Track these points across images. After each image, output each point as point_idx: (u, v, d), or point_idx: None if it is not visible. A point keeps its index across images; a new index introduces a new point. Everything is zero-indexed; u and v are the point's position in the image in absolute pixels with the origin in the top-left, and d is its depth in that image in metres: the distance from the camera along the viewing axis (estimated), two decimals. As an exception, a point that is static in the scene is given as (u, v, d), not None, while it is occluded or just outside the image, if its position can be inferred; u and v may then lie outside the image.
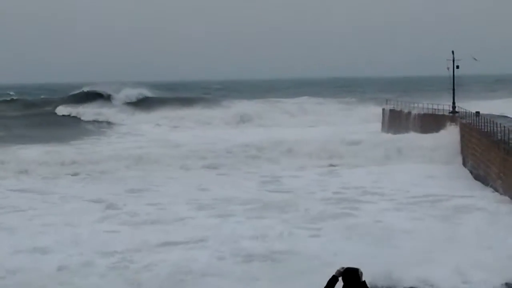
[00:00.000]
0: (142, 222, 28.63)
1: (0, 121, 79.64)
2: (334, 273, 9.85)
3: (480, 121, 41.68)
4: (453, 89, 52.27)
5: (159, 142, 60.31)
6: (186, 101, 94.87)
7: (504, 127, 35.71)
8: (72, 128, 76.94)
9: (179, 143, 57.64)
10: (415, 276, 20.03)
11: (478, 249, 22.88)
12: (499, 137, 35.54)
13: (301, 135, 58.62)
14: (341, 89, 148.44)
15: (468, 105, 52.36)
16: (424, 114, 55.71)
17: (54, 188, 39.07)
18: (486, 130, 38.92)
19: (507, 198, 31.80)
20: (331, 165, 44.77)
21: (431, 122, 52.30)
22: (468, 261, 21.08)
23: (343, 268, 9.89)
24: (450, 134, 46.76)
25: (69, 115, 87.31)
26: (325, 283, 9.85)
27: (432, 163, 44.41)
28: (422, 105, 57.87)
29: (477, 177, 38.66)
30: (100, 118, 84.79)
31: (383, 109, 67.42)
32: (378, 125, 66.40)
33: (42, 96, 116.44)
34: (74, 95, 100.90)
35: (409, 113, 59.02)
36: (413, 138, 49.48)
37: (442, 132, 48.26)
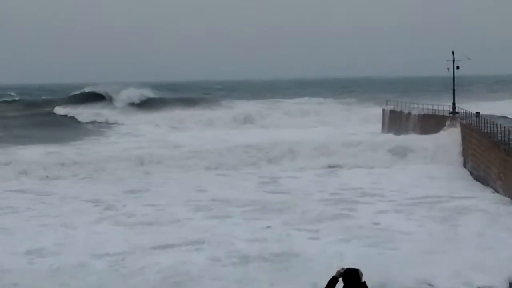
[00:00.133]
0: (139, 224, 28.45)
1: (0, 122, 79.63)
2: (334, 274, 9.83)
3: (480, 121, 41.65)
4: (453, 90, 52.22)
5: (159, 142, 60.26)
6: (186, 102, 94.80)
7: (504, 127, 35.68)
8: (72, 128, 76.92)
9: (178, 143, 57.59)
10: (414, 278, 19.95)
11: (478, 250, 22.81)
12: (499, 138, 35.51)
13: (301, 136, 58.54)
14: (341, 90, 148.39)
15: (469, 106, 52.32)
16: (424, 115, 55.68)
17: (53, 189, 38.98)
18: (486, 130, 38.89)
19: (507, 199, 31.76)
20: (331, 166, 44.64)
21: (431, 123, 52.26)
22: (468, 263, 21.01)
23: (343, 268, 9.87)
24: (450, 135, 46.72)
25: (69, 116, 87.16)
26: (325, 284, 9.83)
27: (432, 164, 44.37)
28: (422, 105, 57.85)
29: (477, 178, 38.61)
30: (100, 119, 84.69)
31: (383, 110, 67.41)
32: (378, 126, 66.37)
33: (42, 97, 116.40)
34: (74, 96, 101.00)
35: (409, 113, 58.98)
36: (413, 139, 49.42)
37: (442, 132, 48.21)
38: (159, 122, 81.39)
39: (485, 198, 32.65)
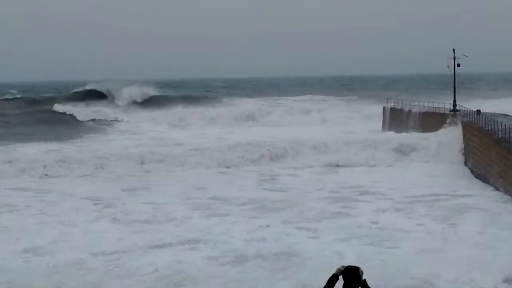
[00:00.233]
0: (137, 222, 28.28)
1: (0, 119, 79.62)
2: (334, 272, 9.76)
3: (481, 119, 41.57)
4: (454, 88, 52.15)
5: (159, 140, 60.31)
6: (187, 100, 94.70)
7: (505, 125, 35.60)
8: (72, 126, 76.92)
9: (179, 141, 57.57)
10: (414, 277, 19.84)
11: (479, 249, 22.74)
12: (500, 136, 35.43)
13: (302, 134, 58.54)
14: (342, 88, 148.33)
15: (470, 104, 52.28)
16: (425, 113, 55.62)
17: (52, 186, 38.88)
18: (487, 128, 38.81)
19: (508, 197, 31.68)
20: (331, 164, 44.40)
21: (432, 121, 52.19)
22: (468, 261, 20.93)
23: (343, 266, 9.80)
24: (451, 133, 46.64)
25: (69, 113, 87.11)
26: (324, 283, 9.76)
27: (432, 162, 44.32)
28: (423, 103, 57.79)
29: (478, 176, 38.53)
30: (101, 116, 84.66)
31: (384, 108, 67.35)
32: (379, 124, 66.32)
33: (43, 95, 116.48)
34: (75, 93, 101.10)
35: (410, 111, 58.93)
36: (413, 137, 49.35)
37: (443, 130, 48.14)
38: (160, 119, 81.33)
39: (485, 196, 32.55)
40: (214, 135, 64.79)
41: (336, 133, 59.37)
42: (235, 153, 46.88)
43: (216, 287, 19.69)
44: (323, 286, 9.71)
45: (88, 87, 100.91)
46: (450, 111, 51.68)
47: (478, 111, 44.49)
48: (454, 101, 52.21)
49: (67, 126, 75.84)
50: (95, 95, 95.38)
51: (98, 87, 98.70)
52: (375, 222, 27.30)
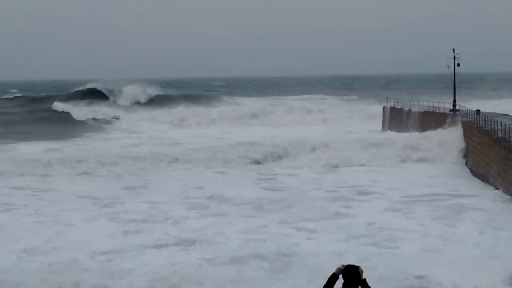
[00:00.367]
0: (134, 222, 28.16)
1: (0, 118, 79.54)
2: (334, 271, 9.73)
3: (480, 119, 41.55)
4: (454, 87, 52.10)
5: (159, 139, 60.26)
6: (188, 99, 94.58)
7: (505, 125, 35.59)
8: (72, 125, 76.79)
9: (178, 141, 57.58)
10: (413, 277, 19.79)
11: (479, 249, 22.73)
12: (500, 135, 35.42)
13: (302, 133, 58.48)
14: (342, 87, 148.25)
15: (471, 104, 52.20)
16: (425, 112, 55.57)
17: (51, 185, 38.78)
18: (487, 128, 38.79)
19: (508, 196, 31.64)
20: (331, 164, 44.28)
21: (431, 120, 52.14)
22: (468, 261, 20.92)
23: (343, 265, 9.77)
24: (451, 133, 46.60)
25: (69, 112, 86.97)
26: (324, 282, 9.74)
27: (432, 161, 44.29)
28: (423, 103, 57.76)
29: (477, 176, 38.49)
30: (100, 115, 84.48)
31: (384, 107, 67.30)
32: (379, 123, 66.28)
33: (43, 93, 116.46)
34: (76, 92, 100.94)
35: (410, 111, 58.89)
36: (413, 137, 49.32)
37: (442, 130, 48.09)
38: (160, 119, 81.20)
39: (485, 196, 32.50)
40: (214, 134, 64.73)
41: (336, 133, 59.30)
42: (235, 153, 46.80)
43: (213, 288, 19.57)
44: (323, 286, 9.68)
45: (88, 86, 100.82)
46: (450, 110, 51.65)
47: (478, 110, 44.46)
48: (454, 101, 52.17)
49: (67, 125, 75.73)
50: (95, 94, 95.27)
51: (98, 86, 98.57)
52: (374, 222, 27.14)
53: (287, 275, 20.26)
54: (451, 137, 45.82)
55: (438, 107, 53.86)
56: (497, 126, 36.74)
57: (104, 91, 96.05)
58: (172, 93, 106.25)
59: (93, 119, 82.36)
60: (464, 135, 44.62)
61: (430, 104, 55.86)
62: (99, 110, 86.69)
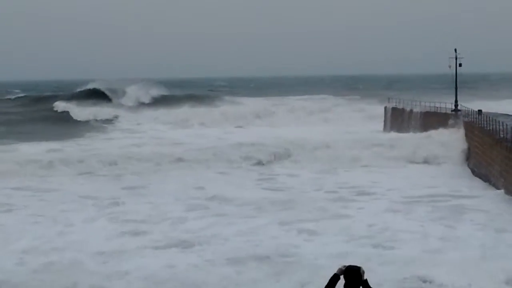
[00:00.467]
0: (134, 222, 28.12)
1: (2, 118, 79.57)
2: (335, 272, 9.71)
3: (482, 119, 41.50)
4: (456, 87, 52.05)
5: (160, 140, 60.18)
6: (190, 99, 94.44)
7: (507, 125, 35.55)
8: (74, 125, 76.83)
9: (180, 141, 57.52)
10: (414, 277, 19.76)
11: (480, 249, 22.68)
12: (502, 136, 35.38)
13: (303, 133, 58.44)
14: (344, 87, 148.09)
15: (473, 105, 52.11)
16: (427, 112, 55.50)
17: (52, 185, 38.76)
18: (488, 128, 38.74)
19: (509, 197, 31.60)
20: (332, 164, 44.22)
21: (433, 121, 52.07)
22: (469, 262, 20.88)
23: (344, 266, 9.74)
24: (453, 133, 46.55)
25: (71, 112, 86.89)
26: (324, 283, 9.71)
27: (434, 162, 44.23)
28: (425, 103, 57.70)
29: (479, 176, 38.43)
30: (102, 115, 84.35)
31: (385, 107, 67.24)
32: (381, 123, 66.23)
33: (45, 93, 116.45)
34: (78, 92, 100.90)
35: (412, 111, 58.84)
36: (415, 137, 49.28)
37: (444, 130, 48.03)
38: (162, 119, 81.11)
39: (487, 197, 32.40)
40: (215, 135, 64.64)
41: (337, 133, 59.24)
42: (236, 153, 46.75)
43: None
44: (324, 286, 9.66)
45: (90, 86, 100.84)
46: (452, 111, 51.60)
47: (480, 111, 44.40)
48: (456, 101, 52.12)
49: (69, 125, 75.77)
50: (97, 94, 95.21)
51: (100, 86, 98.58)
52: (375, 223, 27.06)
53: (288, 277, 20.19)
54: (453, 137, 45.75)
55: (440, 108, 53.79)
56: (499, 126, 36.69)
57: (106, 91, 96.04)
58: (174, 94, 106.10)
59: (95, 119, 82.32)
60: (466, 135, 44.56)
61: (432, 104, 55.80)
62: (101, 110, 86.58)
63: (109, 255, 22.98)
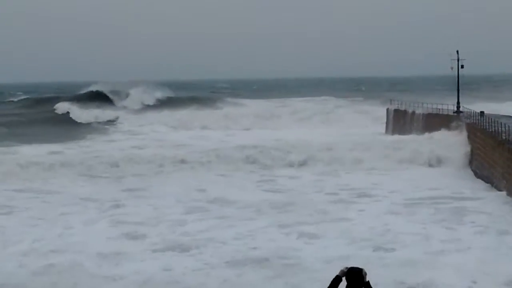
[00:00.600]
0: (134, 225, 28.03)
1: (3, 120, 79.61)
2: (337, 273, 9.65)
3: (484, 121, 41.42)
4: (458, 89, 51.97)
5: (161, 142, 60.14)
6: (192, 101, 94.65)
7: (509, 127, 35.47)
8: (75, 127, 76.94)
9: (181, 143, 57.48)
10: (415, 279, 19.71)
11: (481, 251, 22.61)
12: (504, 137, 35.29)
13: (304, 135, 58.43)
14: (347, 89, 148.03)
15: (475, 106, 52.03)
16: (429, 114, 55.44)
17: (53, 187, 38.73)
18: (490, 130, 38.66)
19: (511, 198, 31.52)
20: (334, 166, 44.12)
21: (435, 122, 51.98)
22: (470, 264, 20.82)
23: (346, 268, 9.68)
24: (455, 134, 46.47)
25: (72, 114, 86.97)
26: (325, 286, 9.65)
27: (436, 163, 44.12)
28: (427, 105, 57.65)
29: (481, 178, 38.33)
30: (103, 117, 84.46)
31: (388, 109, 67.21)
32: (383, 125, 66.19)
33: (48, 95, 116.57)
34: (80, 94, 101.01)
35: (414, 113, 58.80)
36: (417, 139, 49.20)
37: (446, 132, 47.95)
38: (163, 120, 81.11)
39: (489, 198, 32.28)
40: (217, 137, 64.64)
41: (339, 135, 59.22)
42: (238, 155, 46.69)
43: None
44: (326, 288, 9.59)
45: (92, 88, 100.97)
46: (454, 112, 51.54)
47: (482, 112, 44.31)
48: (458, 103, 52.06)
49: (70, 127, 75.85)
50: (98, 96, 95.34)
51: (102, 88, 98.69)
52: (376, 225, 26.94)
53: (288, 279, 20.11)
54: (455, 139, 45.64)
55: (442, 109, 53.73)
56: (501, 128, 36.61)
57: (108, 93, 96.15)
58: (176, 95, 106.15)
59: (96, 121, 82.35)
60: (468, 137, 44.47)
61: (434, 106, 55.74)
62: (102, 112, 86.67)
63: (109, 257, 22.93)
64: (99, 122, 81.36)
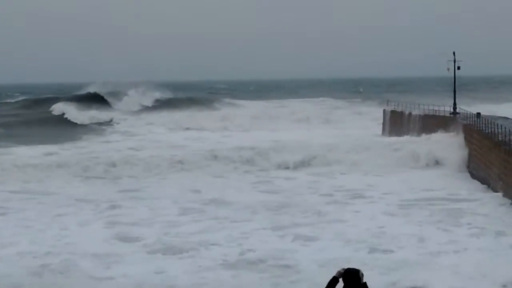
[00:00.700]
0: (128, 226, 28.03)
1: (0, 121, 79.45)
2: (334, 274, 9.63)
3: (481, 122, 41.45)
4: (454, 90, 51.94)
5: (158, 143, 60.02)
6: (190, 102, 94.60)
7: (505, 128, 35.49)
8: (71, 128, 76.72)
9: (178, 144, 57.43)
10: (412, 281, 19.68)
11: (478, 253, 22.59)
12: (500, 139, 35.30)
13: (302, 136, 58.42)
14: (345, 90, 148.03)
15: (472, 108, 52.03)
16: (425, 115, 55.44)
17: (49, 188, 38.68)
18: (487, 131, 38.67)
19: (507, 200, 31.50)
20: (330, 168, 44.08)
21: (432, 124, 52.00)
22: (467, 266, 20.79)
23: (343, 269, 9.67)
24: (451, 136, 46.48)
25: (69, 115, 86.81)
26: (324, 285, 9.64)
27: (432, 165, 44.12)
28: (423, 106, 57.64)
29: (478, 179, 38.34)
30: (100, 118, 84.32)
31: (384, 110, 67.18)
32: (379, 126, 66.18)
33: (45, 96, 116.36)
34: (77, 95, 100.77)
35: (410, 114, 58.80)
36: (413, 140, 49.20)
37: (443, 133, 47.95)
38: (160, 121, 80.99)
39: (485, 200, 32.28)
40: (214, 138, 64.54)
41: (336, 136, 59.16)
42: (235, 156, 46.64)
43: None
44: (323, 289, 9.58)
45: (90, 90, 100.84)
46: (450, 113, 51.55)
47: (478, 113, 44.33)
48: (454, 104, 52.06)
49: (67, 128, 75.68)
50: (95, 97, 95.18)
51: (99, 90, 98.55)
52: (371, 227, 26.92)
53: (283, 281, 20.06)
54: (452, 140, 45.63)
55: (439, 111, 53.73)
56: (497, 129, 36.62)
57: (105, 94, 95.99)
58: (175, 96, 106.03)
59: (93, 122, 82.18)
60: (465, 138, 44.46)
61: (431, 107, 55.73)
62: (99, 113, 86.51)
63: (104, 258, 22.88)
64: (95, 123, 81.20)
